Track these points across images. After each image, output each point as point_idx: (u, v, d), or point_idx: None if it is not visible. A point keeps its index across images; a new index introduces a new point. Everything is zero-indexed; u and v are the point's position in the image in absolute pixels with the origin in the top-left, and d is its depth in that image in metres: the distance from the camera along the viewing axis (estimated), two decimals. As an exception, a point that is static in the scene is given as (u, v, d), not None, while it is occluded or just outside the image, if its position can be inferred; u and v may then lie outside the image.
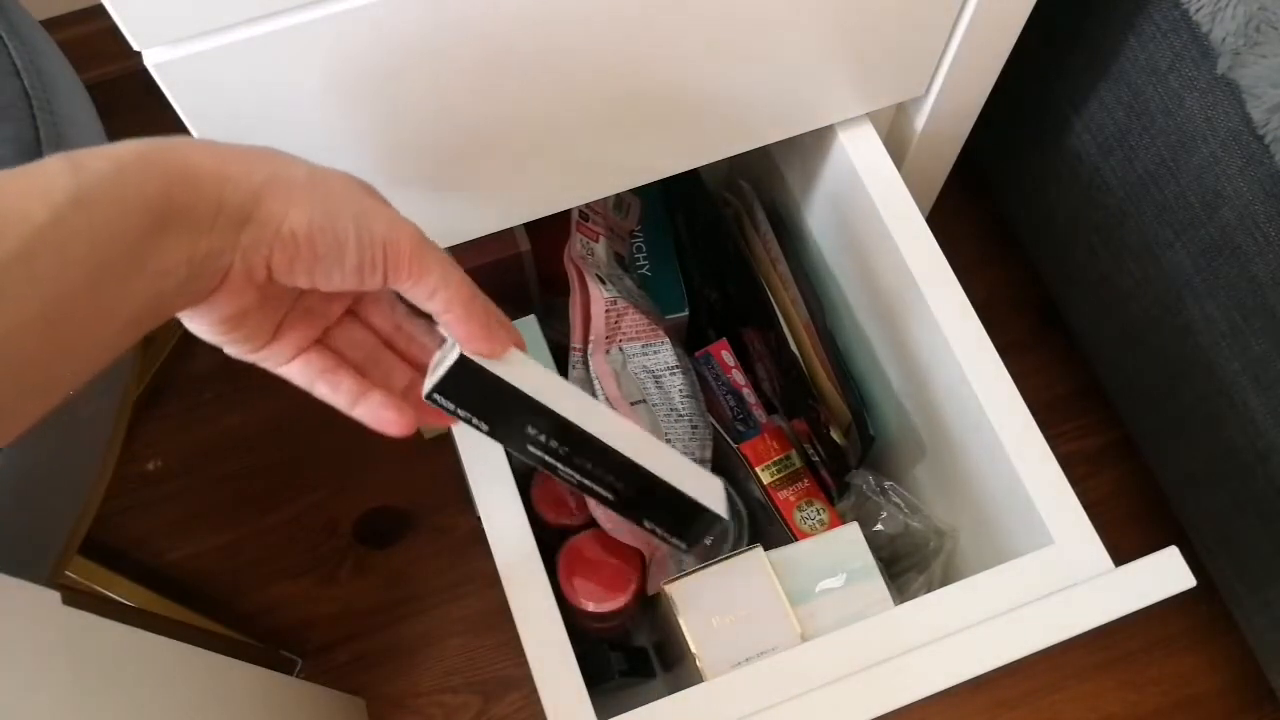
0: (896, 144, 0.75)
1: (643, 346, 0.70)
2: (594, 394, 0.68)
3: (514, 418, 0.44)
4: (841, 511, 0.71)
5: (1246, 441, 0.77)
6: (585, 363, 0.68)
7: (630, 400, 0.68)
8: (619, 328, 0.69)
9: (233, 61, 0.46)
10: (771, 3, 0.55)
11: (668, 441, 0.68)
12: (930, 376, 0.65)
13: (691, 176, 0.77)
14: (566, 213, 0.68)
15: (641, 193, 0.80)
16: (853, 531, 0.62)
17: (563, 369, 0.69)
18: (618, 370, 0.68)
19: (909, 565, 0.69)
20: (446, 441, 0.97)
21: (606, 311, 0.69)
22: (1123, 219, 0.81)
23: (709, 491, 0.49)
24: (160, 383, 1.03)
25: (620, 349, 0.69)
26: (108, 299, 0.33)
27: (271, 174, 0.37)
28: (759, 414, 0.76)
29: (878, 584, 0.60)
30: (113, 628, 0.52)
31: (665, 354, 0.70)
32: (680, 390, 0.69)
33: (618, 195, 0.78)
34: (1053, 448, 0.58)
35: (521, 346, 0.45)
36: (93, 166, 0.33)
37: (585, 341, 0.69)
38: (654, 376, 0.69)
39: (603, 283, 0.69)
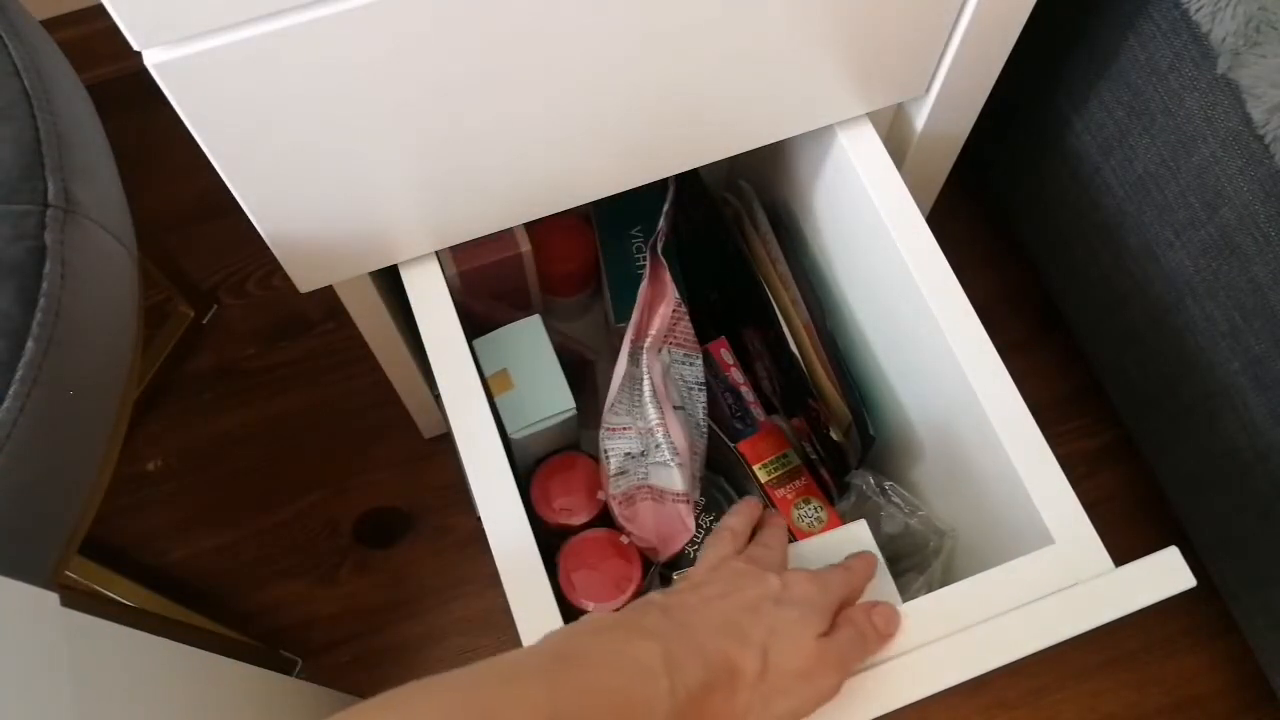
0: (896, 144, 0.75)
1: (684, 355, 0.70)
2: (641, 389, 0.68)
3: None
4: (841, 511, 0.71)
5: (1246, 441, 0.77)
6: (635, 356, 0.68)
7: (673, 404, 0.68)
8: (674, 331, 0.69)
9: (233, 61, 0.46)
10: (771, 4, 0.55)
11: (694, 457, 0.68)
12: (930, 376, 0.65)
13: (691, 176, 0.77)
14: (566, 213, 0.68)
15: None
16: (860, 530, 0.62)
17: (564, 370, 0.69)
18: (665, 371, 0.69)
19: (909, 565, 0.69)
20: (446, 442, 0.98)
21: (673, 312, 0.69)
22: (1123, 219, 0.81)
23: None
24: (160, 383, 1.03)
25: (669, 351, 0.69)
26: None
27: None
28: (757, 412, 0.76)
29: (884, 582, 0.60)
30: (111, 629, 0.52)
31: (697, 369, 0.70)
32: (702, 406, 0.70)
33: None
34: (1053, 448, 0.58)
35: None
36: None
37: (642, 335, 0.69)
38: (686, 387, 0.70)
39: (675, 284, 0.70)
